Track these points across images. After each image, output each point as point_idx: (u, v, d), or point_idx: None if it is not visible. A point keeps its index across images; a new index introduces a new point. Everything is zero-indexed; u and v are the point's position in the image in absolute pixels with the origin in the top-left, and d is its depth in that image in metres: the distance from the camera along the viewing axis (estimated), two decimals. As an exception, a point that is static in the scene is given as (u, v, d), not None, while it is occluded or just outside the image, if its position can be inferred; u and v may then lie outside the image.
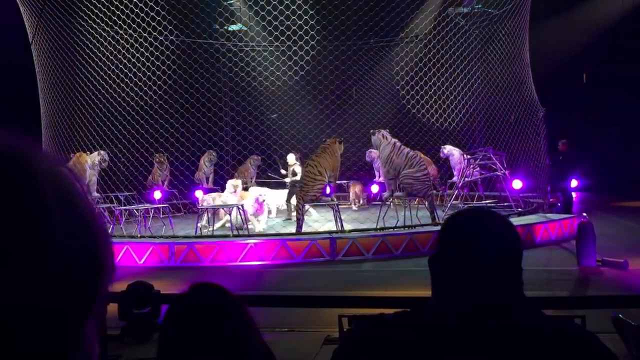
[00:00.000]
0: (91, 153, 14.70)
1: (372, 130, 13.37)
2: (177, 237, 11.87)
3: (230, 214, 12.34)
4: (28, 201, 0.62)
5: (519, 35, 15.08)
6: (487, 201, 14.38)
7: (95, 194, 14.16)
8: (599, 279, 8.65)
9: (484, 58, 15.78)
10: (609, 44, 21.66)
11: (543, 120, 14.40)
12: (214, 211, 12.86)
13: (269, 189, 14.09)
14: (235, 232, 11.84)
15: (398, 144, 12.77)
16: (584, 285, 8.59)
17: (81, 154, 14.35)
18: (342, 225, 11.89)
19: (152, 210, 13.44)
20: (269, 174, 16.00)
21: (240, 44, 17.72)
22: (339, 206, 12.34)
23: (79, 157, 14.15)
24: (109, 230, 12.52)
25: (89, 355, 0.71)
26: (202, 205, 13.00)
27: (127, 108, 15.66)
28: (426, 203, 12.61)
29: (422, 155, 13.54)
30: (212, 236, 11.77)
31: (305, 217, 12.45)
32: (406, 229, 11.72)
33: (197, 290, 1.64)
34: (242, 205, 12.36)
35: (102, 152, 14.67)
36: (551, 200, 14.65)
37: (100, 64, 15.26)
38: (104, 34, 15.26)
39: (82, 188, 0.70)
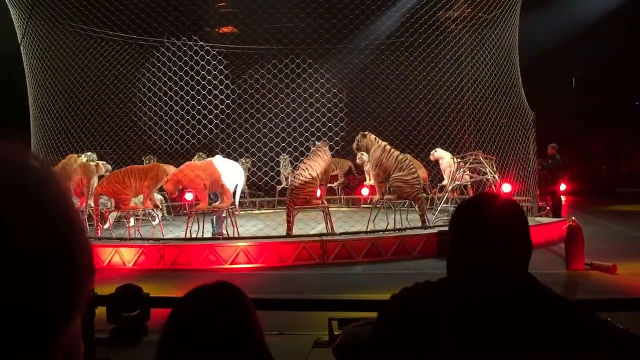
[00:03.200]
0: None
1: (361, 133, 13.37)
2: (167, 239, 11.82)
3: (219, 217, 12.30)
4: None
5: (508, 39, 15.16)
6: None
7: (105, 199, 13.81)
8: (587, 282, 8.70)
9: (473, 62, 15.85)
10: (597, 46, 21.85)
11: (533, 124, 14.48)
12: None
13: None
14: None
15: (388, 147, 12.78)
16: (573, 289, 8.62)
17: (71, 156, 14.24)
18: (332, 228, 11.89)
19: (141, 213, 13.38)
20: None
21: (231, 46, 17.69)
22: (329, 209, 12.34)
23: (69, 159, 14.04)
24: (99, 233, 12.48)
25: (75, 356, 0.70)
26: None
27: (116, 109, 15.62)
28: (416, 206, 12.63)
29: (412, 159, 13.55)
30: (202, 239, 11.73)
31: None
32: (396, 232, 11.74)
33: (217, 286, 1.67)
34: (232, 207, 12.34)
35: (89, 153, 14.55)
36: (540, 203, 14.72)
37: (90, 65, 15.21)
38: (94, 35, 15.20)
39: (55, 185, 0.67)
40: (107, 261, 10.76)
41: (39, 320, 0.63)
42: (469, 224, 1.66)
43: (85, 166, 13.68)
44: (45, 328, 0.64)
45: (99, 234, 12.51)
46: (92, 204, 13.08)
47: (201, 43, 15.75)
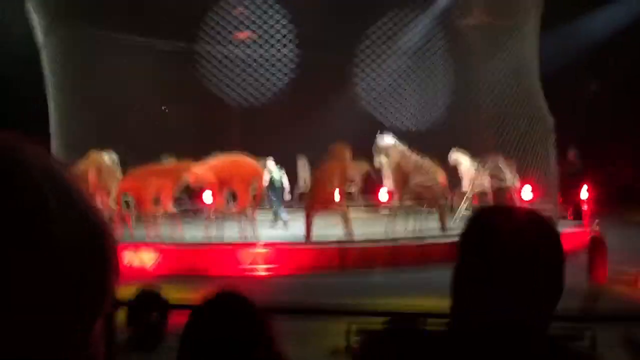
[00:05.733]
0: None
1: (379, 136, 13.26)
2: (187, 243, 11.84)
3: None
4: (23, 193, 0.60)
5: (529, 46, 14.99)
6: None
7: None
8: (610, 294, 8.54)
9: (493, 68, 15.67)
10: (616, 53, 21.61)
11: (553, 130, 14.30)
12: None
13: None
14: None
15: (407, 151, 12.68)
16: (594, 302, 8.47)
17: (93, 152, 14.22)
18: (351, 234, 11.78)
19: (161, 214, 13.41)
20: None
21: (247, 50, 17.71)
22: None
23: (88, 157, 14.05)
24: (118, 235, 12.55)
25: (95, 356, 0.70)
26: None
27: (133, 111, 15.76)
28: (436, 212, 12.50)
29: (431, 163, 13.45)
30: (221, 243, 11.73)
31: None
32: (416, 238, 11.64)
33: (223, 298, 1.65)
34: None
35: (110, 153, 14.59)
36: (562, 211, 14.51)
37: (110, 68, 15.35)
38: (112, 38, 15.34)
39: (77, 183, 0.68)
40: (126, 264, 10.81)
41: (66, 315, 0.63)
42: (470, 254, 1.24)
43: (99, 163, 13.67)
44: (72, 324, 0.64)
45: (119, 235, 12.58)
46: (113, 205, 13.12)
47: (217, 47, 15.84)
